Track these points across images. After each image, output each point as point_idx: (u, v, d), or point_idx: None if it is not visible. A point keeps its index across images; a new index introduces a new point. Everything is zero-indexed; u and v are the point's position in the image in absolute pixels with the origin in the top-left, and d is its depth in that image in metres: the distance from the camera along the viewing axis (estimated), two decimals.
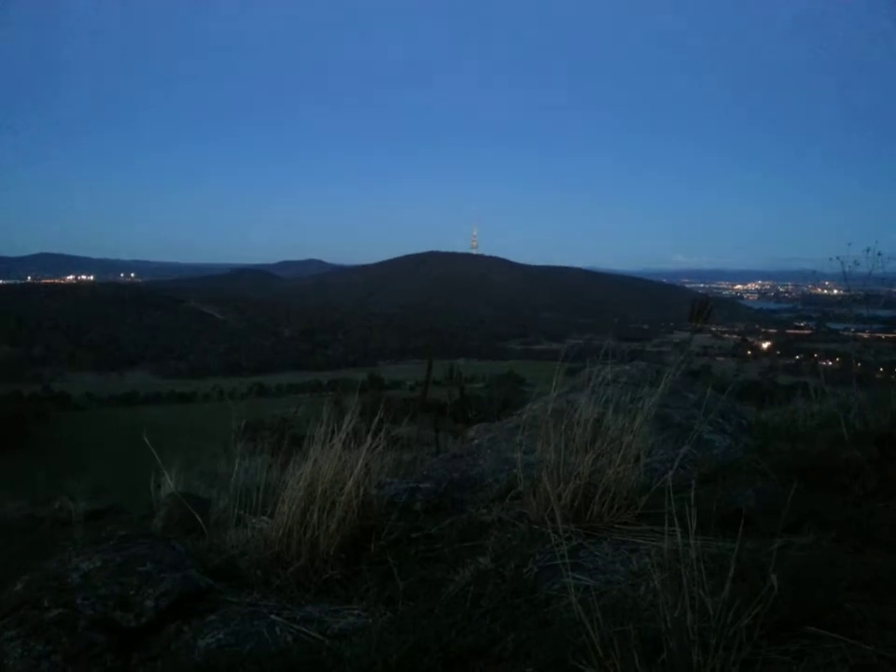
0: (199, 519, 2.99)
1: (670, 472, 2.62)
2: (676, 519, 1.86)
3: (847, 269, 4.13)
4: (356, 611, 2.32)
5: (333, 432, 2.85)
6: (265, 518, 2.87)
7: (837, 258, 4.11)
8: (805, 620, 1.77)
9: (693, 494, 1.91)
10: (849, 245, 4.12)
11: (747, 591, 1.62)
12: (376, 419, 2.99)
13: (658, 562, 1.99)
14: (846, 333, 5.00)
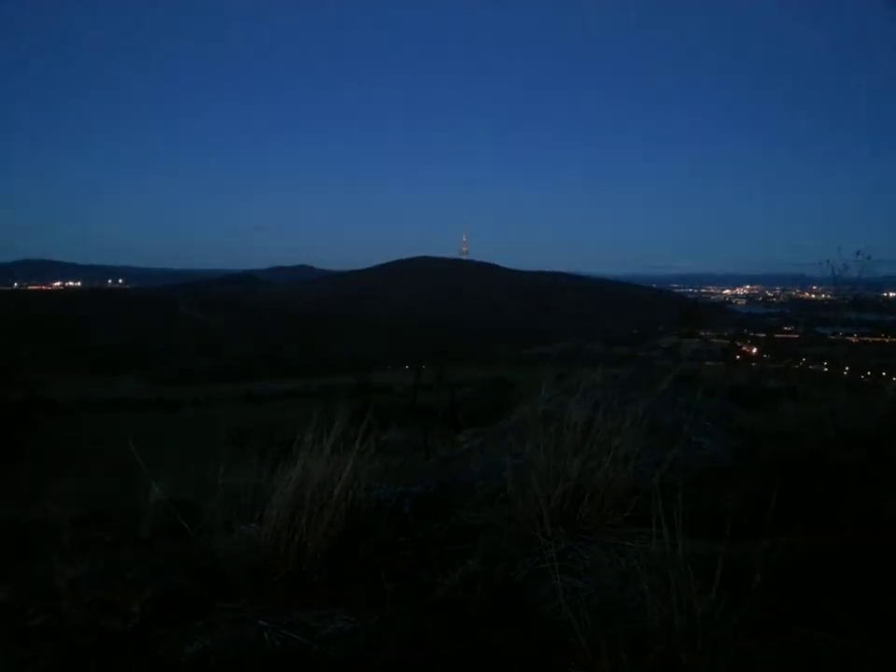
0: (185, 525, 2.97)
1: (658, 474, 2.62)
2: (664, 521, 1.86)
3: (836, 273, 4.13)
4: (344, 616, 2.30)
5: (322, 437, 2.84)
6: (253, 523, 2.85)
7: (827, 261, 4.12)
8: (792, 619, 1.78)
9: (681, 496, 1.92)
10: (839, 248, 4.12)
11: (734, 591, 1.62)
12: (365, 424, 2.97)
13: (646, 564, 1.99)
14: (833, 337, 5.02)
